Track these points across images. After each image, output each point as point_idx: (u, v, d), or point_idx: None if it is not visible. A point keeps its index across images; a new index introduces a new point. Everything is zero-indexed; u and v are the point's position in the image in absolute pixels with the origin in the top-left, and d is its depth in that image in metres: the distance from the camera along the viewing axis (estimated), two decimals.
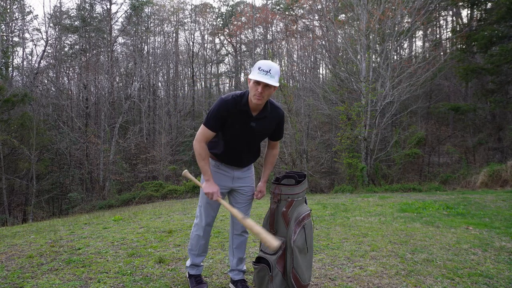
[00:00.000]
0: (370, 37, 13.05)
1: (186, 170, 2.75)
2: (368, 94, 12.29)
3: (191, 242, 2.62)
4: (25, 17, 23.33)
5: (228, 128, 2.30)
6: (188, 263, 2.66)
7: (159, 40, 29.57)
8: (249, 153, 2.46)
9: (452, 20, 20.45)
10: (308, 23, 22.48)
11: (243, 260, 2.64)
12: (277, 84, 2.15)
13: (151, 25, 28.96)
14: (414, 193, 9.35)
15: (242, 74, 30.24)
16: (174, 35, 28.98)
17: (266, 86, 2.14)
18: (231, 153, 2.41)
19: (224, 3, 30.37)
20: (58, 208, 18.84)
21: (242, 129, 2.29)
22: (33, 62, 24.39)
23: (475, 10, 16.31)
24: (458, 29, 16.67)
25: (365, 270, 2.96)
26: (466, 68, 13.83)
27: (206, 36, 30.06)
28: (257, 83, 2.13)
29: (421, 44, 22.61)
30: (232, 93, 2.28)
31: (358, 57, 13.10)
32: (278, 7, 27.78)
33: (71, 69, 26.87)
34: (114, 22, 24.93)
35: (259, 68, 2.12)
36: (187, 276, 2.68)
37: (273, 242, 2.01)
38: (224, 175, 2.47)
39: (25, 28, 23.66)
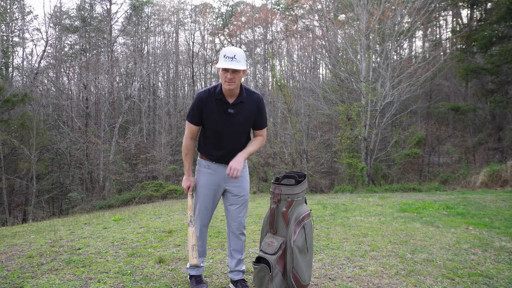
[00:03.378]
0: (370, 37, 13.05)
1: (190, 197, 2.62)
2: (368, 94, 12.28)
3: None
4: (25, 17, 23.31)
5: (208, 118, 2.38)
6: (188, 264, 2.67)
7: (159, 40, 29.60)
8: (238, 147, 2.44)
9: (452, 20, 20.44)
10: (308, 23, 22.47)
11: (242, 260, 2.63)
12: (244, 67, 2.25)
13: (151, 25, 28.98)
14: (414, 193, 9.35)
15: None
16: (174, 35, 29.00)
17: (235, 71, 2.23)
18: (220, 147, 2.42)
19: (224, 3, 30.38)
20: (58, 208, 18.84)
21: (221, 117, 2.36)
22: (33, 62, 24.42)
23: (475, 10, 16.30)
24: (458, 29, 16.67)
25: (365, 270, 2.96)
26: (466, 68, 13.83)
27: (206, 36, 30.08)
28: (225, 70, 2.23)
29: (421, 44, 22.65)
30: (207, 87, 2.43)
31: (358, 57, 13.10)
32: (278, 7, 27.78)
33: (71, 69, 26.88)
34: (114, 22, 24.94)
35: (224, 56, 2.22)
36: (188, 277, 2.70)
37: (191, 260, 2.28)
38: (215, 175, 2.48)
39: (25, 28, 23.66)
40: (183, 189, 2.75)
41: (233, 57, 2.21)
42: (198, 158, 2.58)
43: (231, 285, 2.63)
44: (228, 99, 2.36)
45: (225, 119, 2.37)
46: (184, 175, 2.57)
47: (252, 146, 2.48)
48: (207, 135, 2.45)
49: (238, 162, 2.35)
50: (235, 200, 2.53)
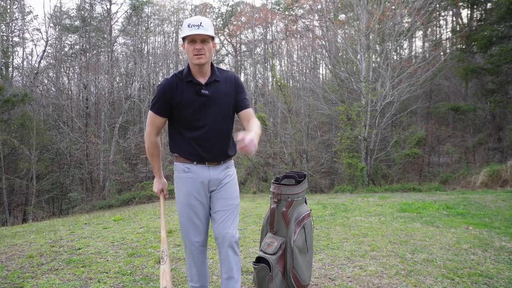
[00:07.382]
0: (370, 37, 13.04)
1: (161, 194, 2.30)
2: (368, 94, 12.29)
3: (188, 272, 2.24)
4: (25, 17, 23.26)
5: (181, 106, 1.97)
6: None
7: (159, 40, 29.59)
8: (219, 136, 2.03)
9: (452, 20, 20.45)
10: (308, 23, 22.47)
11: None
12: (213, 34, 1.93)
13: (151, 25, 28.97)
14: (414, 193, 9.35)
15: (242, 74, 30.21)
16: (174, 35, 28.97)
17: (203, 40, 1.90)
18: (198, 140, 2.00)
19: (224, 3, 30.37)
20: (58, 208, 18.83)
21: (195, 100, 1.97)
22: (33, 62, 24.40)
23: (475, 10, 16.31)
24: (458, 29, 16.68)
25: (365, 270, 2.96)
26: (466, 68, 13.83)
27: None
28: (193, 41, 1.89)
29: (421, 44, 22.63)
30: (172, 73, 2.07)
31: (358, 57, 13.10)
32: (278, 7, 27.78)
33: (71, 69, 26.87)
34: (114, 22, 24.92)
35: (188, 25, 1.88)
36: None
37: (162, 282, 1.84)
38: (197, 180, 2.03)
39: (25, 28, 23.60)
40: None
41: (199, 25, 1.87)
42: (174, 163, 2.13)
43: None
44: (199, 79, 1.99)
45: (200, 103, 1.97)
46: (154, 178, 2.22)
47: (256, 127, 1.96)
48: (182, 128, 2.02)
49: (253, 135, 1.77)
50: (222, 204, 2.05)
